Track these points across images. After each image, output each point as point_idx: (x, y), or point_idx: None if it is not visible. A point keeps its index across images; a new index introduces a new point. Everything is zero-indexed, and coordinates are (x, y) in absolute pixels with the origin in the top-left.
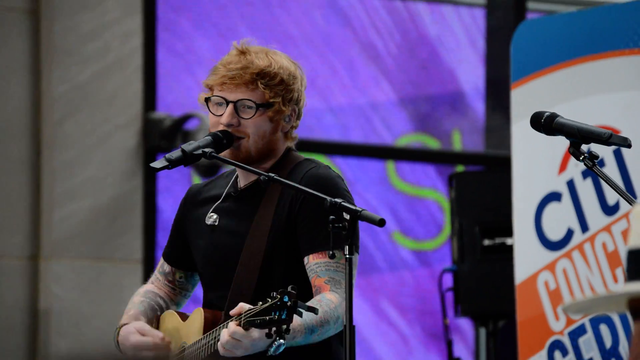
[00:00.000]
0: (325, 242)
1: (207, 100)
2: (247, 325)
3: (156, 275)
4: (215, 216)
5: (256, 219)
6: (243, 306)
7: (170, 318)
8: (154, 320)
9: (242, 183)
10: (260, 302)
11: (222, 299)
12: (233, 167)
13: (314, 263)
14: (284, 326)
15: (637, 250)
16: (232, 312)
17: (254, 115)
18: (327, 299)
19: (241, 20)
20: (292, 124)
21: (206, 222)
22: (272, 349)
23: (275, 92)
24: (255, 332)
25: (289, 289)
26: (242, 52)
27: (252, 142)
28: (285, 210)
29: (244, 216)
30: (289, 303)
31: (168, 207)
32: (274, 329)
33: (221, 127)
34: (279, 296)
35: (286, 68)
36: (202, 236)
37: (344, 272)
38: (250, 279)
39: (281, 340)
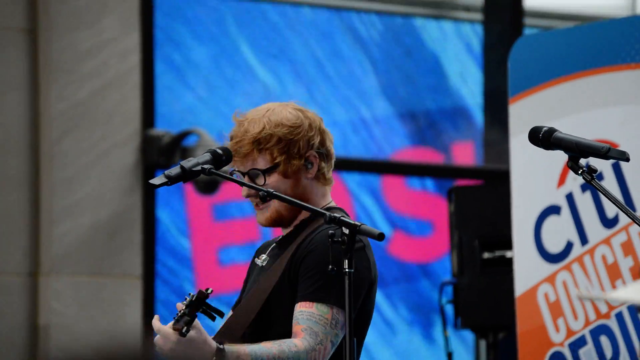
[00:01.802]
0: (317, 293)
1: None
2: (174, 324)
3: None
4: (266, 258)
5: (278, 260)
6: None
7: None
8: None
9: (285, 230)
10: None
11: None
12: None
13: (298, 311)
14: (189, 321)
15: None
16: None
17: (265, 182)
18: (291, 342)
19: (241, 34)
20: (317, 168)
21: (257, 263)
22: None
23: (278, 150)
24: (174, 337)
25: (206, 290)
26: (240, 123)
27: (277, 204)
28: (297, 257)
29: (276, 261)
30: (193, 299)
31: (165, 218)
32: (184, 328)
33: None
34: (193, 294)
35: (284, 124)
36: (252, 277)
37: (326, 327)
38: (250, 311)
39: None
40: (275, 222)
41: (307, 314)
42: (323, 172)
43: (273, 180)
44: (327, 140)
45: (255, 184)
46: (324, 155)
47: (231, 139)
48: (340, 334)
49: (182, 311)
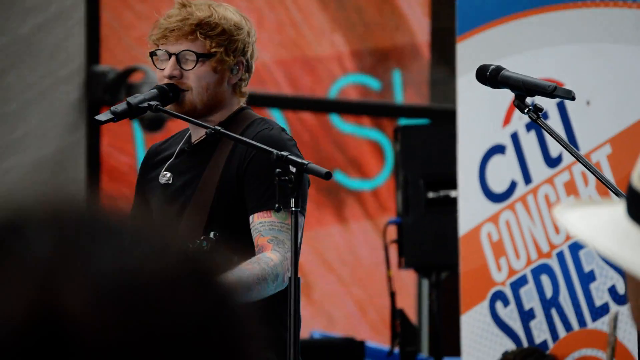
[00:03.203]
0: (272, 201)
1: (152, 55)
2: None
3: None
4: (168, 174)
5: (205, 172)
6: None
7: None
8: None
9: (193, 138)
10: None
11: None
12: (185, 121)
13: (258, 222)
14: None
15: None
16: None
17: (195, 66)
18: (266, 257)
19: None
20: (240, 77)
21: (160, 181)
22: None
23: (217, 42)
24: None
25: (211, 235)
26: (183, 5)
27: (195, 94)
28: (235, 166)
29: (196, 171)
30: (205, 248)
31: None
32: None
33: (166, 81)
34: (198, 242)
35: (230, 19)
36: (157, 195)
37: (289, 233)
38: (195, 233)
39: None
40: (187, 113)
41: (268, 224)
42: (242, 83)
43: (202, 69)
44: (255, 54)
45: (181, 68)
46: (249, 67)
47: (169, 17)
48: (301, 235)
49: None
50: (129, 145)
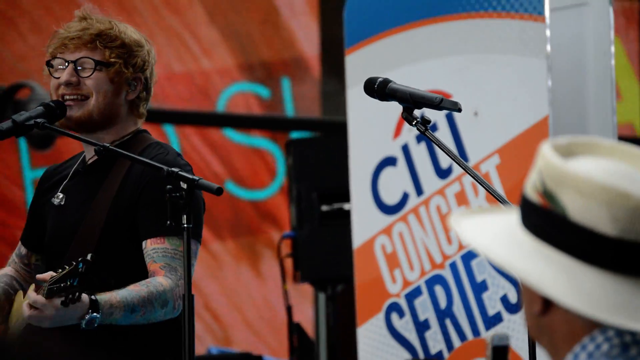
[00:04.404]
0: (165, 228)
1: (49, 66)
2: (48, 294)
3: (13, 257)
4: (62, 196)
5: (99, 194)
6: (47, 275)
7: (19, 298)
8: (7, 303)
9: (87, 157)
10: (60, 270)
11: None
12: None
13: (151, 248)
14: (77, 293)
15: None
16: (38, 277)
17: (92, 74)
18: (157, 282)
19: None
20: (138, 94)
21: (53, 202)
22: (83, 322)
23: (116, 53)
24: (57, 301)
25: (88, 257)
26: (84, 17)
27: (94, 102)
28: (129, 189)
29: (89, 192)
30: (81, 270)
31: None
32: (70, 296)
33: (61, 90)
34: (74, 263)
35: (130, 35)
36: (51, 217)
37: (182, 260)
38: (85, 254)
39: (95, 314)
40: (83, 123)
41: (161, 251)
42: (140, 102)
43: (100, 78)
44: (154, 76)
45: (78, 75)
46: (148, 87)
47: (68, 27)
48: (194, 263)
49: (64, 283)
50: (18, 177)
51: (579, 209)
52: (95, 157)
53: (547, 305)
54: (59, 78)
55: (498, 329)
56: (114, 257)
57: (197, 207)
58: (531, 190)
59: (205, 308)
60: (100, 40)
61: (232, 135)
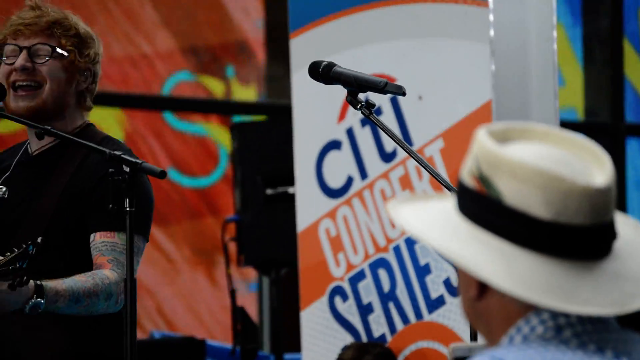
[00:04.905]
0: (117, 222)
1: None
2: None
3: None
4: (4, 188)
5: (47, 185)
6: None
7: None
8: None
9: (33, 149)
10: (9, 253)
11: None
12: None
13: (100, 241)
14: (24, 277)
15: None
16: None
17: (47, 60)
18: (102, 274)
19: None
20: (87, 86)
21: None
22: (27, 307)
23: (71, 42)
24: (4, 285)
25: (38, 240)
26: (37, 6)
27: (48, 89)
28: (81, 182)
29: (36, 183)
30: (31, 252)
31: None
32: (17, 279)
33: (14, 77)
34: (24, 245)
35: (83, 27)
36: None
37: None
38: (34, 239)
39: (39, 299)
40: (36, 112)
41: (110, 245)
42: (87, 94)
43: (54, 65)
44: (99, 73)
45: (33, 61)
46: (95, 81)
47: (22, 15)
48: (139, 260)
49: (13, 265)
50: None
51: (514, 193)
52: (42, 149)
53: (483, 289)
54: (11, 64)
55: (440, 312)
56: (62, 246)
57: (144, 200)
58: (467, 175)
59: (148, 294)
60: (56, 28)
61: (174, 122)
